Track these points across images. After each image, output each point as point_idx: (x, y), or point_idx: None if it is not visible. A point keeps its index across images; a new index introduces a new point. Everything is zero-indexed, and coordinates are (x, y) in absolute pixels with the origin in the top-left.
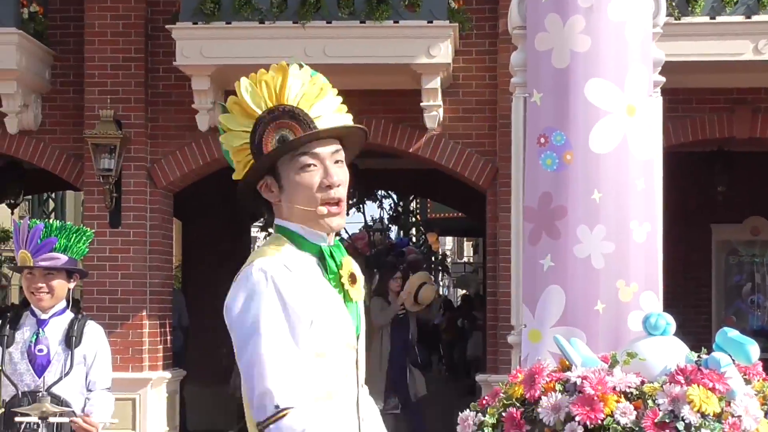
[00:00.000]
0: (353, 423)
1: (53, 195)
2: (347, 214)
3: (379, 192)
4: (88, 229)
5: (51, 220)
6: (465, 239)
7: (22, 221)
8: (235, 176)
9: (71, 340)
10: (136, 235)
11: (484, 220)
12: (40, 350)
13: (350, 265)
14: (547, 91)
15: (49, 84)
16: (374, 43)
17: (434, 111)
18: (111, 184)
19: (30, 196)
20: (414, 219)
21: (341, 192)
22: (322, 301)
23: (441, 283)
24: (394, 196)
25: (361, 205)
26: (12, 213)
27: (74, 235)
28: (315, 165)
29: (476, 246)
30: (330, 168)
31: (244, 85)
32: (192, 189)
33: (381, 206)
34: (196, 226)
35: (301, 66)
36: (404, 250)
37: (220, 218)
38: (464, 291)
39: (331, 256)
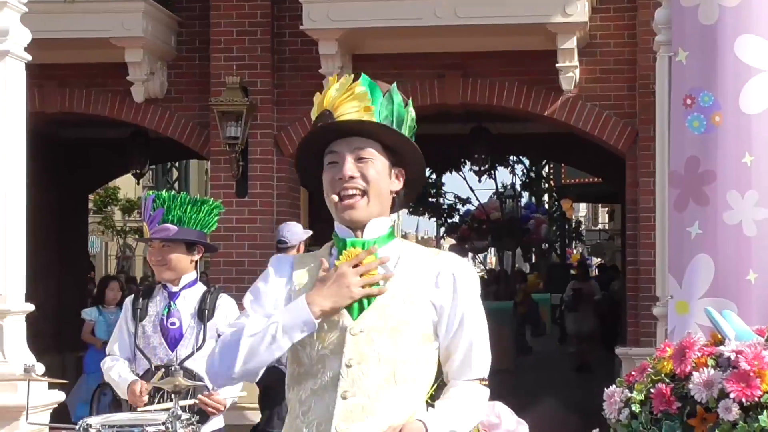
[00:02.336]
0: (322, 398)
1: (176, 164)
2: (479, 180)
3: (511, 157)
4: (215, 200)
5: (165, 191)
6: (600, 206)
7: (149, 193)
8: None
9: (203, 313)
10: (263, 204)
11: (623, 185)
12: (173, 323)
13: (357, 256)
14: (693, 49)
15: (174, 51)
16: (507, 2)
17: (570, 72)
18: (237, 152)
19: (154, 166)
20: (547, 185)
21: (355, 185)
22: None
23: (575, 251)
24: (527, 162)
25: (492, 171)
26: (138, 183)
27: (190, 206)
28: (336, 162)
29: (612, 213)
30: (346, 163)
31: (315, 101)
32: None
33: (513, 172)
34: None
35: (350, 75)
36: (530, 217)
37: None
38: (599, 259)
39: (344, 246)
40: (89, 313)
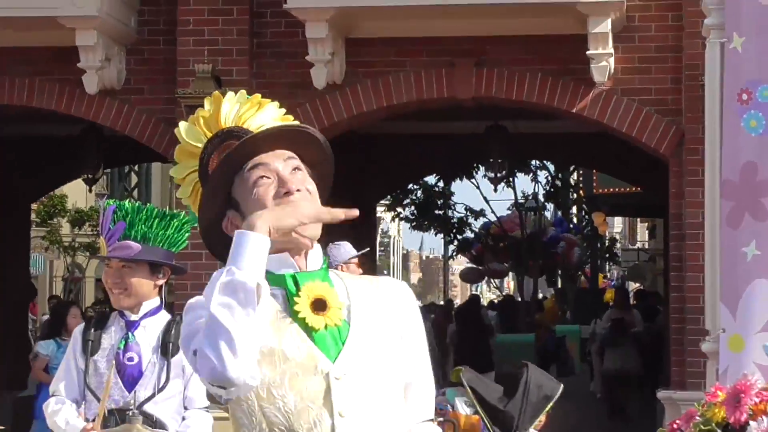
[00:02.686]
0: None
1: (136, 168)
2: (494, 189)
3: (533, 162)
4: (186, 214)
5: (129, 202)
6: (639, 220)
7: (109, 203)
8: (199, 224)
9: (167, 347)
10: None
11: (666, 196)
12: (131, 359)
13: (317, 290)
14: (751, 34)
15: (134, 33)
16: None
17: (603, 61)
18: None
19: (109, 170)
20: (576, 195)
21: (305, 199)
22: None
23: (608, 275)
24: (551, 167)
25: (511, 179)
26: (90, 190)
27: (157, 221)
28: (267, 177)
29: (653, 228)
30: (285, 175)
31: (183, 128)
32: None
33: (535, 179)
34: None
35: (235, 92)
36: (560, 238)
37: (340, 195)
38: (637, 284)
39: (294, 281)
40: (45, 347)
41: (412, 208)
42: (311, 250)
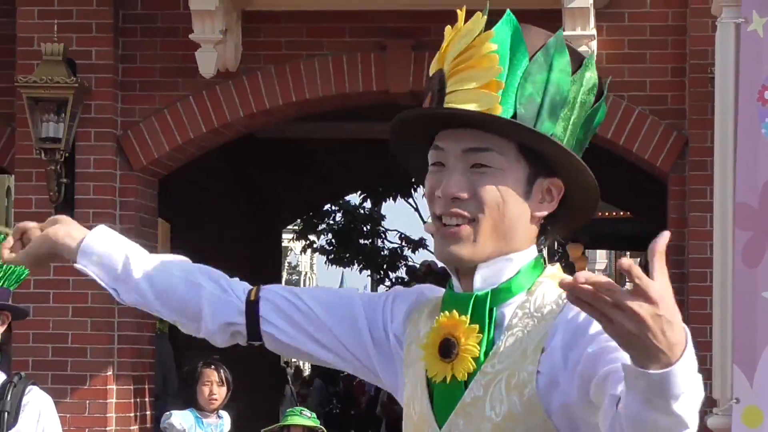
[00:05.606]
0: None
1: None
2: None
3: None
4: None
5: None
6: (628, 254)
7: None
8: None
9: (1, 417)
10: None
11: (663, 223)
12: None
13: (450, 328)
14: None
15: None
16: None
17: (583, 45)
18: (59, 162)
19: None
20: None
21: (461, 210)
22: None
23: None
24: None
25: None
26: None
27: None
28: (441, 164)
29: (646, 266)
30: (449, 170)
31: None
32: (187, 172)
33: None
34: (195, 231)
35: (482, 14)
36: None
37: (233, 218)
38: None
39: (444, 307)
40: None
41: (329, 235)
42: (479, 267)
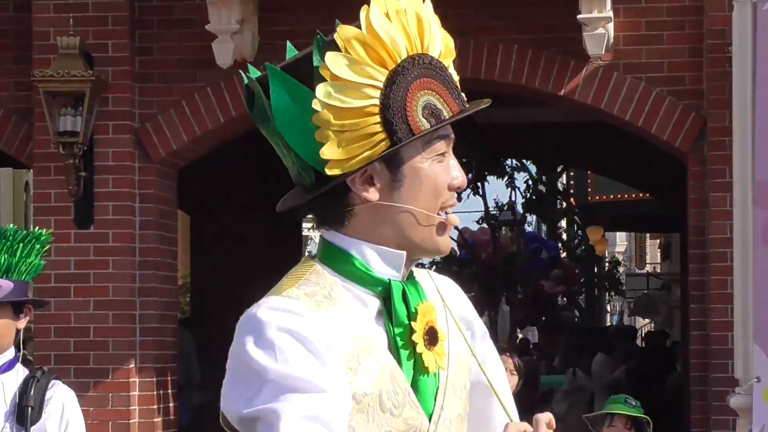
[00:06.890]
0: None
1: None
2: (458, 198)
3: (509, 162)
4: (41, 230)
5: None
6: (648, 236)
7: None
8: (331, 168)
9: (25, 412)
10: (118, 238)
11: (683, 204)
12: None
13: (431, 315)
14: None
15: None
16: None
17: (600, 27)
18: (77, 156)
19: None
20: (565, 204)
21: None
22: (365, 367)
23: (609, 307)
24: (533, 168)
25: (479, 184)
26: None
27: (20, 244)
28: (447, 155)
29: (667, 247)
30: (452, 161)
31: (378, 10)
32: (207, 164)
33: (512, 184)
34: (214, 222)
35: None
36: (548, 260)
37: (252, 208)
38: (647, 320)
39: (403, 298)
40: None
41: None
42: None
